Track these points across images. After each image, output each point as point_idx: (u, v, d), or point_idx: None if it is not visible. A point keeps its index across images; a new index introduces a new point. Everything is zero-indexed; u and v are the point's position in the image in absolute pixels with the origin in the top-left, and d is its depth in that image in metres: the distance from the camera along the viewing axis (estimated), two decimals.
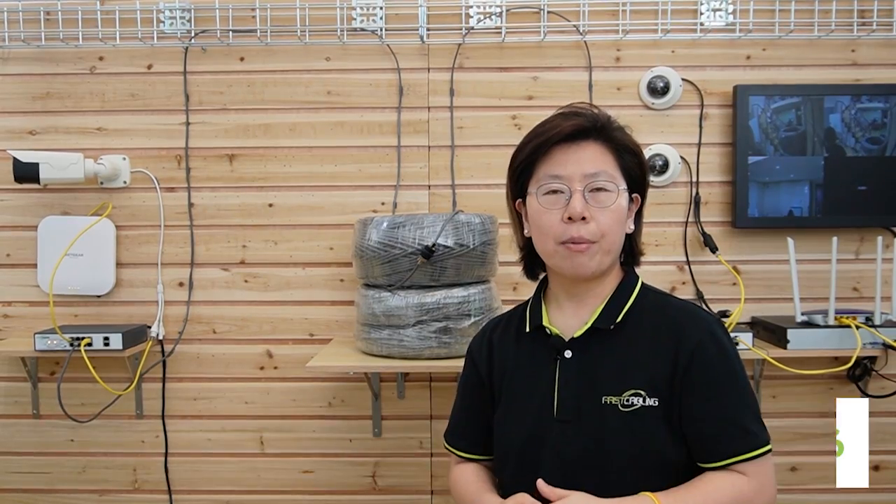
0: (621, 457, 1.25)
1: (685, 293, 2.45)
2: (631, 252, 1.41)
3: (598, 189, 1.28)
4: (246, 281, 2.50)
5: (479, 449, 1.48)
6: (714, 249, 2.40)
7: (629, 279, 1.39)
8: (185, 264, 2.50)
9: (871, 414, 2.44)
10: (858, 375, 2.40)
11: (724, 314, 2.30)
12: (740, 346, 2.19)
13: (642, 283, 1.40)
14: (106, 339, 2.29)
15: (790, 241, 2.26)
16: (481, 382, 1.44)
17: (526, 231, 1.38)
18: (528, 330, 1.39)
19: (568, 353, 1.32)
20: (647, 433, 1.25)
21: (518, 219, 1.41)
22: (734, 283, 2.41)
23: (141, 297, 2.50)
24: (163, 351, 2.51)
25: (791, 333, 2.20)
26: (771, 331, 2.30)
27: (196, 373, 2.52)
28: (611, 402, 1.27)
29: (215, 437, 2.53)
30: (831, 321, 2.22)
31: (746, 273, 2.44)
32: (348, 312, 2.45)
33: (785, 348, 2.20)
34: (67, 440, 2.54)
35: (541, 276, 1.47)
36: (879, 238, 2.27)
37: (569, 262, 1.29)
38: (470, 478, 1.45)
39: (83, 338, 2.27)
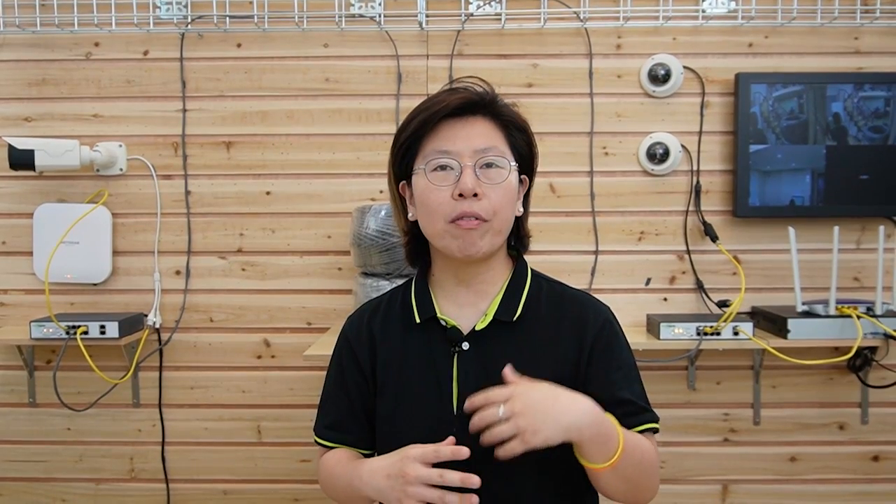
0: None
1: (685, 282, 2.44)
2: (518, 236, 1.34)
3: (489, 165, 1.23)
4: (243, 269, 2.49)
5: (364, 444, 1.36)
6: (714, 238, 2.38)
7: (521, 267, 1.34)
8: (182, 252, 2.49)
9: (871, 404, 2.46)
10: (859, 366, 2.39)
11: (725, 304, 2.30)
12: (740, 336, 2.19)
13: (532, 271, 1.36)
14: (102, 327, 2.27)
15: (791, 230, 2.25)
16: (362, 375, 1.34)
17: (411, 215, 1.29)
18: (417, 321, 1.30)
19: (465, 346, 1.26)
20: None
21: (402, 203, 1.32)
22: (734, 273, 2.40)
23: (137, 286, 2.49)
24: (159, 339, 2.50)
25: (791, 323, 2.19)
26: (771, 321, 2.29)
27: (193, 361, 2.51)
28: None
29: (212, 425, 2.52)
30: (832, 311, 2.21)
31: (747, 262, 2.42)
32: (346, 301, 2.44)
33: (785, 338, 2.19)
34: (64, 429, 2.53)
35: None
36: (881, 227, 2.26)
37: (459, 242, 1.22)
38: (342, 456, 1.34)
39: (79, 326, 2.26)
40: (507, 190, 1.23)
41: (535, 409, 1.09)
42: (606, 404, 1.24)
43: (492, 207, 1.22)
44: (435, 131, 1.24)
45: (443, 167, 1.23)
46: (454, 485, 1.10)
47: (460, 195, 1.20)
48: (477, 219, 1.21)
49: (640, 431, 1.26)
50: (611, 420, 1.15)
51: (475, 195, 1.20)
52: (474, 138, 1.23)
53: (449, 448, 1.13)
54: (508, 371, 1.14)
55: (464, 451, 1.11)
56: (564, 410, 1.10)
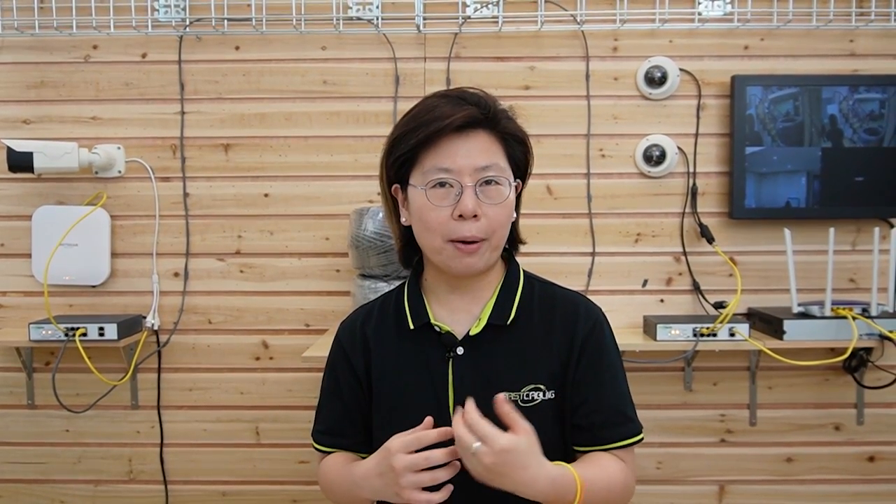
0: None
1: (682, 284, 2.45)
2: (511, 239, 1.33)
3: (489, 183, 1.20)
4: (241, 271, 2.49)
5: (360, 447, 1.35)
6: (711, 240, 2.39)
7: (513, 269, 1.33)
8: (181, 254, 2.49)
9: (867, 405, 2.47)
10: (854, 366, 2.40)
11: (721, 305, 2.31)
12: (737, 337, 2.20)
13: (524, 272, 1.35)
14: (101, 329, 2.28)
15: (787, 232, 2.26)
16: (357, 380, 1.33)
17: (404, 220, 1.28)
18: (411, 327, 1.30)
19: (460, 350, 1.26)
20: (545, 426, 1.23)
21: (394, 205, 1.30)
22: (731, 274, 2.41)
23: (136, 288, 2.49)
24: (158, 341, 2.50)
25: (787, 324, 2.20)
26: (767, 322, 2.30)
27: (191, 363, 2.51)
28: (510, 398, 1.23)
29: (211, 427, 2.52)
30: (828, 312, 2.21)
31: (743, 264, 2.43)
32: (344, 303, 2.45)
33: (781, 339, 2.20)
34: (63, 430, 2.53)
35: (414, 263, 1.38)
36: (876, 229, 2.27)
37: (457, 262, 1.22)
38: (341, 460, 1.34)
39: (78, 328, 2.26)
40: (505, 207, 1.23)
41: (503, 468, 1.08)
42: (592, 408, 1.26)
43: (490, 227, 1.21)
44: (435, 146, 1.20)
45: (442, 184, 1.20)
46: (440, 463, 1.12)
47: (460, 216, 1.19)
48: (476, 241, 1.21)
49: (621, 447, 1.27)
50: (572, 476, 1.15)
51: (474, 216, 1.19)
52: (475, 155, 1.20)
53: (434, 431, 1.14)
54: (502, 399, 1.12)
55: (448, 432, 1.12)
56: (529, 482, 1.09)
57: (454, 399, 1.26)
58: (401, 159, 1.24)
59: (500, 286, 1.31)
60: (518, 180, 1.29)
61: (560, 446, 1.27)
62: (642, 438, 1.30)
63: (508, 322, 1.28)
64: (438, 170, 1.20)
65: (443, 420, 1.25)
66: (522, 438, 1.09)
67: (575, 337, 1.27)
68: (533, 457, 1.10)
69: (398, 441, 1.15)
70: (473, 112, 1.21)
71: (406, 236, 1.31)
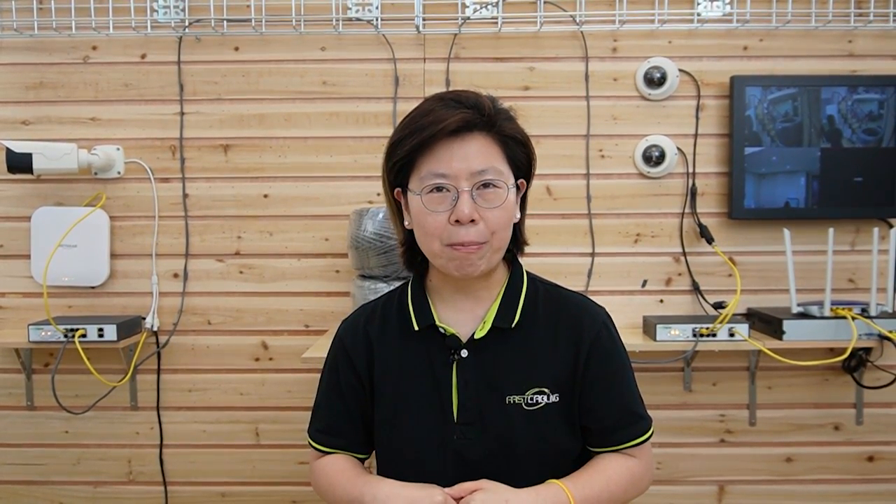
0: (526, 454, 1.25)
1: (681, 284, 2.45)
2: (515, 240, 1.30)
3: (487, 186, 1.19)
4: (241, 272, 2.49)
5: (359, 448, 1.37)
6: (710, 240, 2.39)
7: (517, 271, 1.32)
8: (180, 255, 2.49)
9: (866, 405, 2.47)
10: (854, 366, 2.40)
11: (721, 305, 2.31)
12: (736, 337, 2.20)
13: (528, 274, 1.34)
14: (100, 330, 2.28)
15: (786, 232, 2.26)
16: (359, 380, 1.33)
17: (407, 223, 1.27)
18: (416, 328, 1.29)
19: (464, 353, 1.26)
20: (549, 429, 1.25)
21: (397, 208, 1.29)
22: (730, 275, 2.41)
23: (135, 289, 2.49)
24: (157, 342, 2.50)
25: (787, 325, 2.20)
26: (767, 322, 2.30)
27: (191, 364, 2.51)
28: (514, 401, 1.25)
29: (210, 428, 2.52)
30: (827, 312, 2.22)
31: (742, 264, 2.44)
32: (344, 303, 2.45)
33: (781, 339, 2.20)
34: (62, 432, 2.53)
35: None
36: (875, 229, 2.27)
37: (456, 263, 1.21)
38: (345, 465, 1.34)
39: (77, 329, 2.26)
40: (505, 210, 1.21)
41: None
42: (603, 412, 1.28)
43: (489, 230, 1.20)
44: (430, 150, 1.19)
45: (438, 189, 1.19)
46: None
47: (457, 221, 1.18)
48: (475, 244, 1.19)
49: (633, 445, 1.30)
50: (557, 486, 1.22)
51: (472, 220, 1.18)
52: (471, 159, 1.19)
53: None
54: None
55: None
56: None
57: (458, 402, 1.26)
58: (398, 165, 1.23)
59: (503, 288, 1.30)
60: (522, 179, 1.27)
61: (568, 446, 1.28)
62: (652, 433, 1.32)
63: (513, 325, 1.27)
64: (434, 175, 1.19)
65: (446, 422, 1.26)
66: (486, 486, 1.20)
67: (581, 342, 1.27)
68: (505, 492, 1.19)
69: (441, 499, 1.19)
70: (469, 115, 1.19)
71: (410, 239, 1.30)
